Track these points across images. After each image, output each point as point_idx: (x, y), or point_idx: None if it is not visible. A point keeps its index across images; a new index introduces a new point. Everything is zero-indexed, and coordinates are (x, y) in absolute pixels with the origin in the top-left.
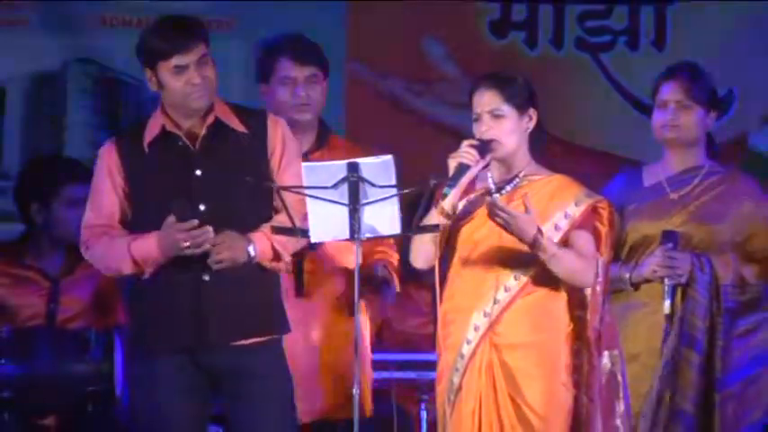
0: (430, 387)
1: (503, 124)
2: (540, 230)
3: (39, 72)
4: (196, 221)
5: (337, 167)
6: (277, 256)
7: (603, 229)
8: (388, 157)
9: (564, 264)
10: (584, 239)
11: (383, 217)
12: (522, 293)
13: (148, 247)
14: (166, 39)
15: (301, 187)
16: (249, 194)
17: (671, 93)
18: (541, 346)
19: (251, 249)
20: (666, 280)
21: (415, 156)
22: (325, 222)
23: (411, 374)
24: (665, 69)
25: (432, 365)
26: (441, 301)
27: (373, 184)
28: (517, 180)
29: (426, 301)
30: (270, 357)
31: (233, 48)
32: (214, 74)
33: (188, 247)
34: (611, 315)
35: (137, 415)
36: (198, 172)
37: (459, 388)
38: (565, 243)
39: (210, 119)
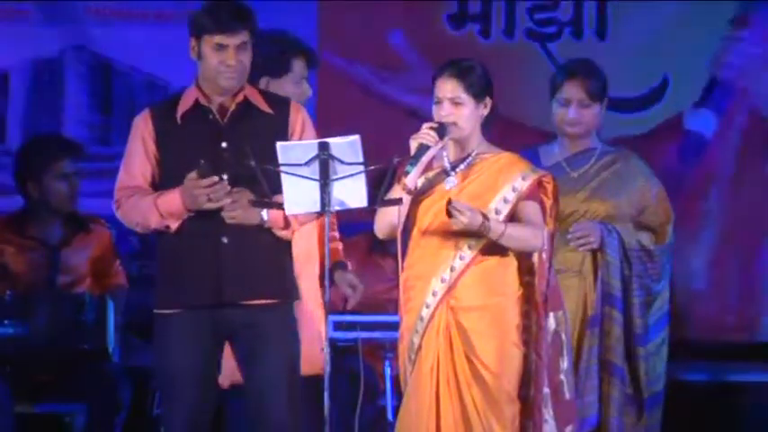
0: (394, 346)
1: (461, 110)
2: (485, 218)
3: (39, 59)
4: (216, 178)
5: (309, 146)
6: (287, 225)
7: (548, 202)
8: (356, 137)
9: (514, 238)
10: (531, 207)
11: (351, 191)
12: (475, 261)
13: (173, 200)
14: (219, 17)
15: (277, 165)
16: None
17: (573, 92)
18: (494, 308)
19: (264, 214)
20: (580, 249)
21: (380, 136)
22: (299, 196)
23: (377, 334)
24: (565, 69)
25: (395, 326)
26: (402, 269)
27: (342, 162)
28: (470, 159)
29: (391, 268)
30: (280, 318)
31: None
32: (249, 60)
33: (207, 201)
34: (555, 280)
35: (155, 366)
36: (224, 144)
37: (419, 347)
38: (513, 213)
39: (240, 98)
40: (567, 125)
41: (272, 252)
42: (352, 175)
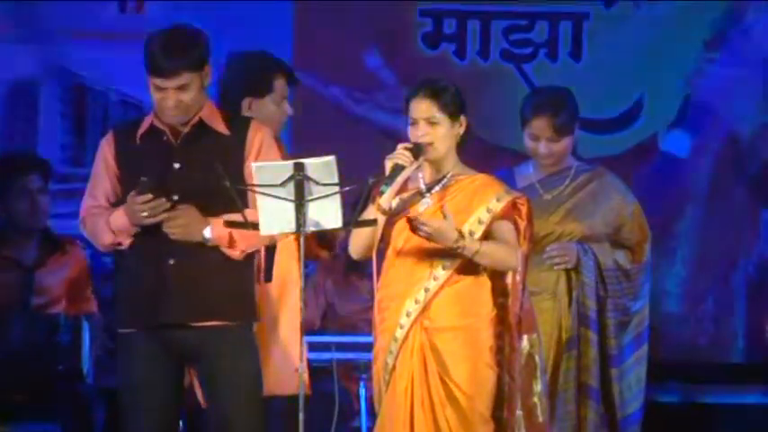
0: (369, 367)
1: (437, 130)
2: (460, 234)
3: (13, 79)
4: (150, 195)
5: (285, 167)
6: (232, 244)
7: (522, 223)
8: (331, 158)
9: (488, 256)
10: (505, 227)
11: (326, 212)
12: (449, 282)
13: (120, 216)
14: (153, 59)
15: (252, 185)
16: (221, 190)
17: (542, 129)
18: (467, 329)
19: (206, 231)
20: (556, 267)
21: (355, 157)
22: (274, 217)
23: (351, 355)
24: (533, 104)
25: (370, 347)
26: (377, 290)
27: (317, 182)
28: (445, 180)
29: (367, 288)
30: (235, 340)
31: None
32: (193, 97)
33: (146, 217)
34: (529, 302)
35: (118, 386)
36: (176, 165)
37: (393, 368)
38: (487, 234)
39: (195, 119)
40: (539, 158)
41: (223, 273)
42: (326, 195)
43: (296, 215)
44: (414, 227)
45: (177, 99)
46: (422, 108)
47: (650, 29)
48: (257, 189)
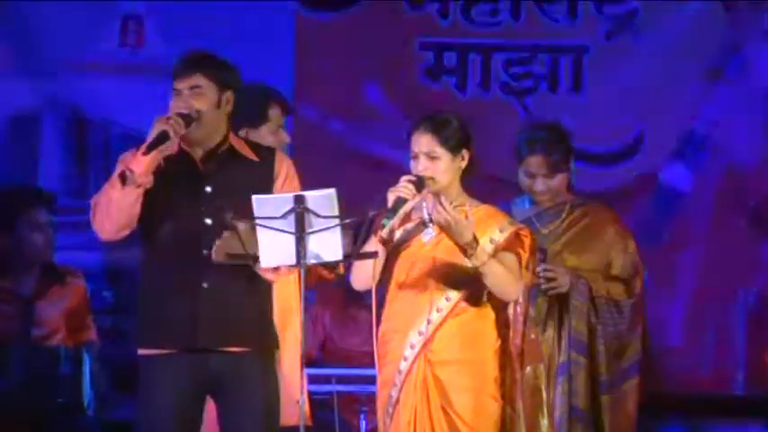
0: (369, 399)
1: (437, 164)
2: (475, 238)
3: (14, 111)
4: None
5: (285, 199)
6: (276, 268)
7: (525, 255)
8: (331, 190)
9: (494, 271)
10: (508, 258)
11: (327, 244)
12: (452, 313)
13: (135, 151)
14: (174, 64)
15: (253, 217)
16: (252, 215)
17: (537, 167)
18: (471, 361)
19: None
20: (549, 292)
21: (355, 189)
22: (274, 249)
23: (352, 388)
24: (527, 142)
25: (371, 379)
26: (378, 322)
27: (318, 215)
28: None
29: (367, 321)
30: (261, 366)
31: None
32: (208, 109)
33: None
34: (535, 332)
35: (137, 410)
36: (208, 189)
37: (397, 401)
38: None
39: (226, 145)
40: (535, 195)
41: (252, 297)
42: (327, 228)
43: (296, 248)
44: (437, 208)
45: (189, 104)
46: (422, 142)
47: (650, 61)
48: (258, 222)
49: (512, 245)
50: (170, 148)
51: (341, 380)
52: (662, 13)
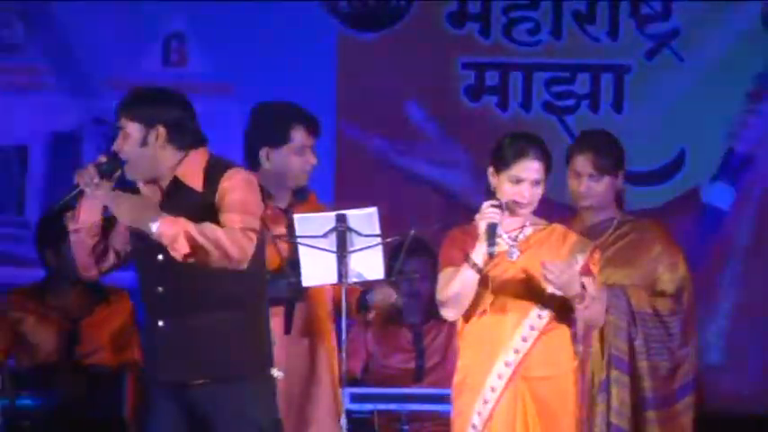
0: (409, 418)
1: (539, 190)
2: (583, 285)
3: (57, 131)
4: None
5: (327, 218)
6: (174, 241)
7: (595, 270)
8: (373, 209)
9: (597, 309)
10: (592, 284)
11: (368, 263)
12: (545, 330)
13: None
14: None
15: (294, 236)
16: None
17: (582, 166)
18: (558, 377)
19: (153, 226)
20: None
21: (397, 208)
22: (316, 268)
23: (392, 406)
24: (578, 141)
25: (412, 398)
26: (462, 342)
27: (359, 234)
28: (526, 229)
29: (407, 339)
30: (237, 394)
31: (233, 109)
32: (132, 144)
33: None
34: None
35: None
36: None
37: (490, 417)
38: None
39: (170, 177)
40: (578, 198)
41: (215, 330)
42: (369, 247)
43: (338, 266)
44: (549, 272)
45: (119, 147)
46: (535, 167)
47: (692, 80)
48: (299, 240)
49: (588, 265)
50: (88, 194)
51: (381, 398)
52: (704, 32)
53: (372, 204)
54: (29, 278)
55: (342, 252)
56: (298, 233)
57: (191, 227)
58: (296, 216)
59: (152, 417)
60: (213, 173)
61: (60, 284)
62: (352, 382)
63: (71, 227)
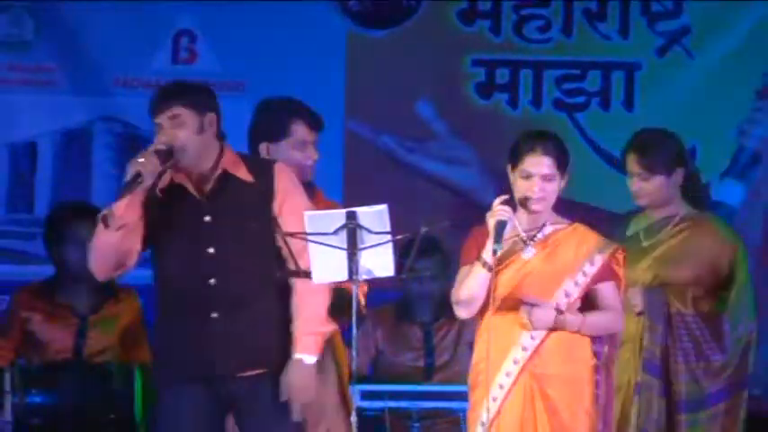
0: (420, 415)
1: (552, 186)
2: (559, 311)
3: (67, 128)
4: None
5: (337, 215)
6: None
7: (621, 271)
8: (383, 207)
9: (592, 328)
10: (611, 292)
11: (378, 260)
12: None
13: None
14: (150, 102)
15: (304, 233)
16: (255, 239)
17: (631, 165)
18: (572, 375)
19: (306, 358)
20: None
21: (407, 206)
22: (326, 265)
23: (403, 404)
24: (631, 143)
25: (422, 395)
26: (477, 338)
27: (370, 231)
28: (545, 229)
29: (418, 337)
30: (278, 383)
31: (243, 107)
32: (189, 133)
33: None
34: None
35: None
36: (207, 218)
37: (498, 413)
38: (590, 294)
39: (218, 171)
40: (634, 196)
41: (266, 320)
42: (379, 244)
43: (348, 263)
44: (536, 320)
45: (173, 135)
46: (543, 162)
47: (703, 78)
48: (309, 237)
49: (608, 267)
50: (149, 184)
51: (393, 396)
52: (715, 30)
53: (382, 202)
54: (39, 275)
55: (352, 249)
56: (308, 230)
57: (321, 330)
58: (306, 213)
59: (178, 415)
60: (256, 165)
61: (69, 282)
62: (361, 379)
63: (113, 225)
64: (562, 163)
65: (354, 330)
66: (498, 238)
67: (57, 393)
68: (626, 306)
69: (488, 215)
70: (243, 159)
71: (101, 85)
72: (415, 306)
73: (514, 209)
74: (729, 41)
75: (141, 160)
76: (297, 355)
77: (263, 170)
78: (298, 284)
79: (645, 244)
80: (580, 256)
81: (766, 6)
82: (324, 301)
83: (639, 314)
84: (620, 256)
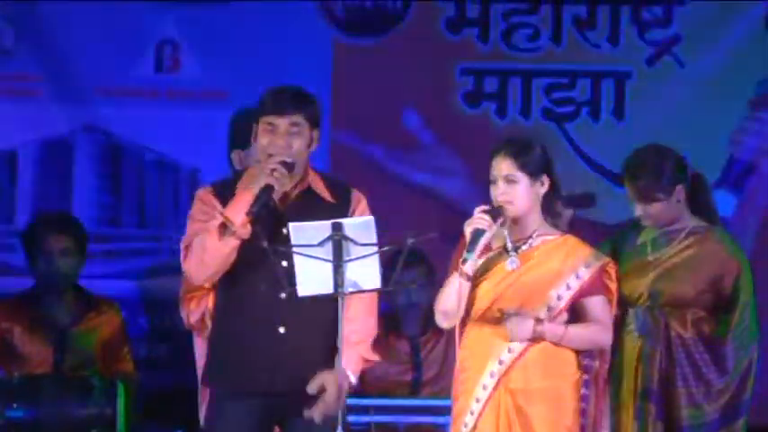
0: (407, 430)
1: (515, 189)
2: (538, 321)
3: (48, 138)
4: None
5: (323, 227)
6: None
7: (613, 286)
8: (369, 218)
9: (575, 340)
10: (599, 306)
11: (365, 272)
12: (533, 342)
13: (235, 199)
14: (272, 97)
15: (290, 246)
16: None
17: (630, 192)
18: (551, 390)
19: (351, 378)
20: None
21: (393, 216)
22: (312, 277)
23: (390, 418)
24: (625, 169)
25: (409, 410)
26: (459, 349)
27: (356, 242)
28: (532, 240)
29: (405, 350)
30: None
31: (227, 117)
32: (302, 145)
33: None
34: None
35: None
36: (285, 231)
37: (474, 428)
38: (574, 303)
39: (304, 185)
40: (642, 220)
41: (325, 339)
42: (365, 256)
43: (334, 275)
44: (518, 332)
45: (288, 143)
46: (502, 166)
47: (693, 87)
48: (295, 249)
49: (598, 281)
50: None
51: (379, 410)
52: (705, 39)
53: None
54: (20, 287)
55: (338, 261)
56: (293, 242)
57: (370, 358)
58: (291, 225)
59: (226, 422)
60: (336, 187)
61: (49, 293)
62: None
63: (240, 233)
64: (528, 165)
65: (341, 344)
66: (472, 246)
67: (37, 407)
68: (625, 328)
69: (466, 224)
70: (322, 178)
71: (83, 95)
72: (402, 318)
73: (495, 219)
74: (721, 50)
75: (273, 171)
76: (345, 371)
77: (342, 193)
78: (354, 302)
79: (650, 258)
80: (566, 268)
81: (757, 14)
82: (375, 325)
83: (639, 336)
84: (612, 270)
